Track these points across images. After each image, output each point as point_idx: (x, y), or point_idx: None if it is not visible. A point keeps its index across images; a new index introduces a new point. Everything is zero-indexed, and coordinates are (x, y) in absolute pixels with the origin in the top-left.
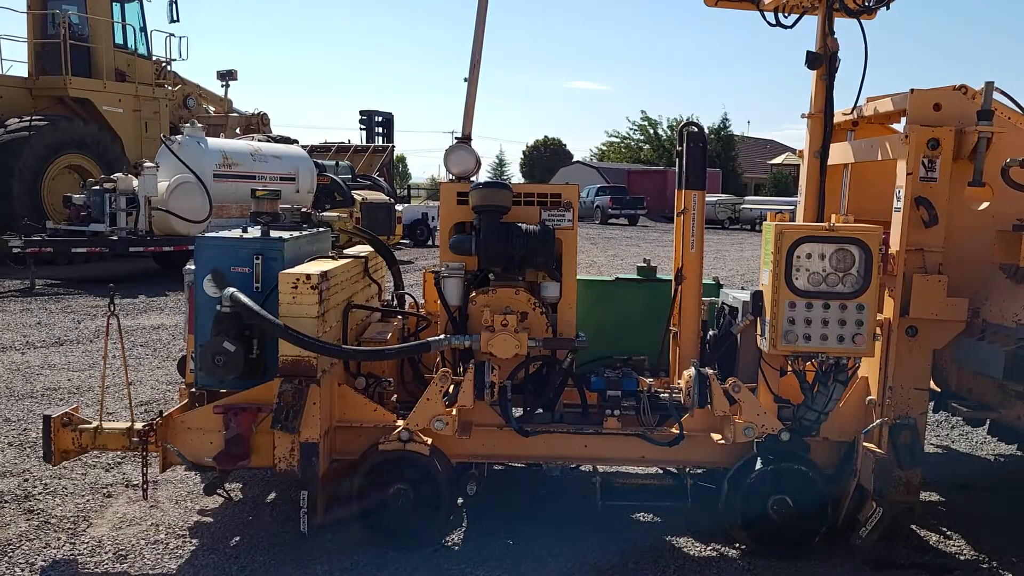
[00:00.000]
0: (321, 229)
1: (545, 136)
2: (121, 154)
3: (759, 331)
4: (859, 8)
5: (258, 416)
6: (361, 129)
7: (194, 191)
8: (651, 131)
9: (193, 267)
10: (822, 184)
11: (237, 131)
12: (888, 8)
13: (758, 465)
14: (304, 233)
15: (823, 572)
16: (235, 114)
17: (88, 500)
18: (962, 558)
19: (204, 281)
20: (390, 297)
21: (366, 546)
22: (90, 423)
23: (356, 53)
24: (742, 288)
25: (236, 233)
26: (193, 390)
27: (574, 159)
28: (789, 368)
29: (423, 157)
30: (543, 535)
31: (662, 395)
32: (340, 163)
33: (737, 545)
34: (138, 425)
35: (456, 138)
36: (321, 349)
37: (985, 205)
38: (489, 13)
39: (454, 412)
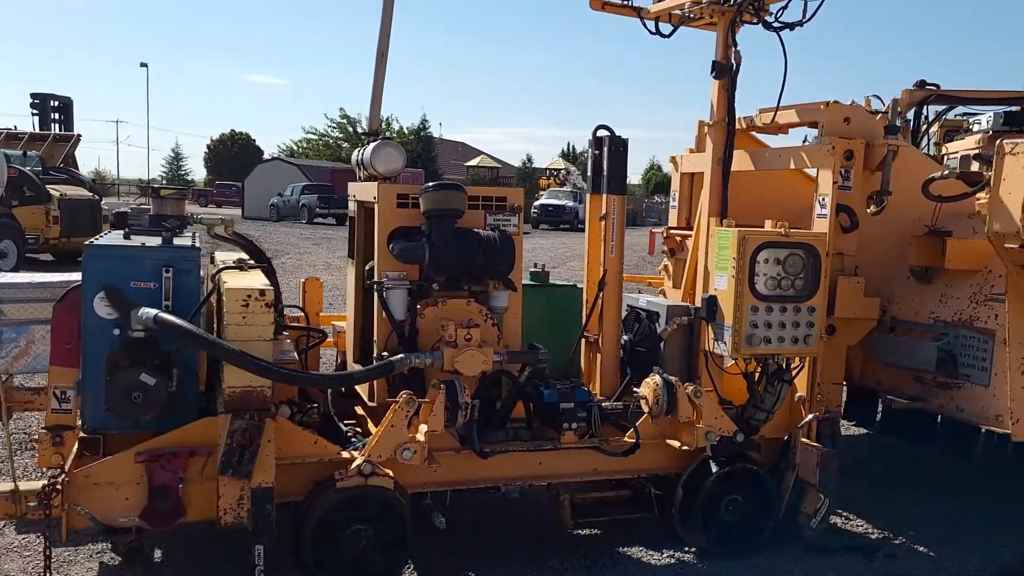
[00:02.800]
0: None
1: (232, 130)
2: None
3: (713, 335)
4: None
5: (191, 461)
6: (34, 115)
7: None
8: (351, 129)
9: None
10: (725, 190)
11: None
12: (803, 25)
13: (713, 468)
14: (196, 241)
15: (777, 564)
16: None
17: None
18: (873, 537)
19: (96, 299)
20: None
21: None
22: None
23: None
24: (639, 291)
25: (138, 241)
26: (84, 435)
27: (265, 155)
28: (737, 370)
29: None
30: (504, 559)
31: (605, 404)
32: (28, 153)
33: (686, 548)
34: (27, 485)
35: (363, 133)
36: (287, 378)
37: (872, 210)
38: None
39: (422, 439)
